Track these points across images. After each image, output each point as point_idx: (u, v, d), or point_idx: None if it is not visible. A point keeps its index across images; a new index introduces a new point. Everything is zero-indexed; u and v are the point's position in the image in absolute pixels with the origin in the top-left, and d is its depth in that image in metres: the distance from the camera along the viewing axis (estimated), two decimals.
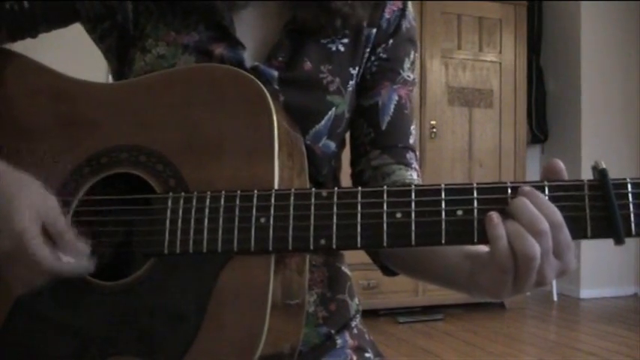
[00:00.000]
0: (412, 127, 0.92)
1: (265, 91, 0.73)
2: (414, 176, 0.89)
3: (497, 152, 4.30)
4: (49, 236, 0.69)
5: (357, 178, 0.92)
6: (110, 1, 0.85)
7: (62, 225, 0.70)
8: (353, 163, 0.93)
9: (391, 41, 0.91)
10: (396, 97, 0.91)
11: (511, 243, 0.62)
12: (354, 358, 0.89)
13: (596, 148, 4.69)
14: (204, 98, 0.74)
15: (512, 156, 4.33)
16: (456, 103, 4.22)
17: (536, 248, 0.61)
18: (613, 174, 0.61)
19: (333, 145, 0.88)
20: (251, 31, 0.86)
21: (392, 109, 0.90)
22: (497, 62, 4.31)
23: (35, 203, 0.69)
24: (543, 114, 5.01)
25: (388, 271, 0.89)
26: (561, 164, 0.64)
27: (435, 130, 4.13)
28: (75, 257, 0.70)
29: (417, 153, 0.93)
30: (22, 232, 0.67)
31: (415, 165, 0.91)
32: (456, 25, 4.23)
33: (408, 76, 0.92)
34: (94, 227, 0.75)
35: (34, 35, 0.89)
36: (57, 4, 0.86)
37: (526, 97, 4.46)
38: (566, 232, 0.62)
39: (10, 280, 0.71)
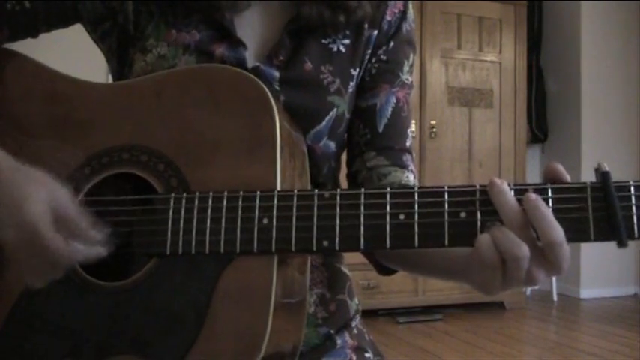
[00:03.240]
0: (409, 130, 0.92)
1: (267, 91, 0.73)
2: (410, 178, 0.89)
3: (497, 152, 4.30)
4: (62, 225, 0.68)
5: (352, 178, 0.92)
6: (111, 1, 0.85)
7: (74, 213, 0.69)
8: (348, 163, 0.93)
9: (392, 43, 0.91)
10: (394, 100, 0.91)
11: (497, 244, 0.62)
12: (354, 357, 0.89)
13: (596, 148, 4.69)
14: (205, 98, 0.74)
15: (512, 156, 4.33)
16: (456, 103, 4.22)
17: (523, 248, 0.61)
18: (613, 174, 0.61)
19: (333, 145, 0.88)
20: (252, 30, 0.86)
21: (389, 112, 0.90)
22: (497, 62, 4.32)
23: (45, 194, 0.69)
24: (543, 114, 5.01)
25: (383, 269, 0.89)
26: (562, 168, 0.64)
27: (434, 130, 4.13)
28: (89, 244, 0.70)
29: (414, 155, 0.93)
30: (35, 223, 0.66)
31: (412, 167, 0.91)
32: (455, 25, 4.23)
33: (407, 79, 0.92)
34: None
35: (34, 35, 0.88)
36: (58, 5, 0.86)
37: (526, 97, 4.46)
38: (557, 234, 0.62)
39: (24, 273, 0.71)
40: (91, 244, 0.69)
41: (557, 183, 0.64)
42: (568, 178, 0.64)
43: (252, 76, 0.74)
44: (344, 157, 0.95)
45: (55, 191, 0.70)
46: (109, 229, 0.71)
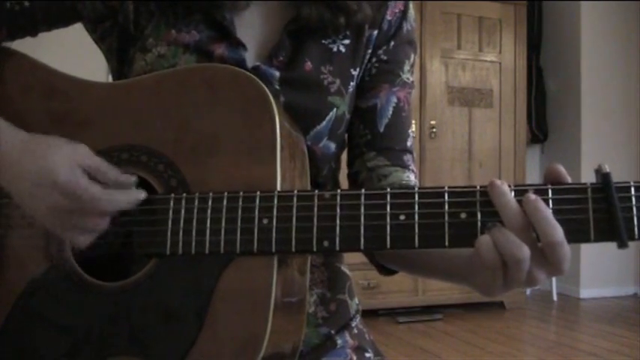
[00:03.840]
0: (409, 130, 0.92)
1: (267, 91, 0.72)
2: (411, 178, 0.89)
3: (497, 152, 4.30)
4: (93, 176, 0.70)
5: (352, 178, 0.92)
6: (111, 1, 0.85)
7: (101, 164, 0.71)
8: (349, 164, 0.93)
9: (392, 43, 0.91)
10: (395, 100, 0.90)
11: (498, 245, 0.62)
12: (354, 357, 0.89)
13: (596, 148, 4.69)
14: (204, 98, 0.74)
15: (512, 156, 4.33)
16: (456, 103, 4.22)
17: (524, 249, 0.61)
18: (613, 174, 0.61)
19: (333, 145, 0.88)
20: (252, 31, 0.86)
21: (390, 112, 0.90)
22: (497, 62, 4.31)
23: (69, 153, 0.70)
24: (543, 114, 5.01)
25: (384, 270, 0.89)
26: (563, 169, 0.64)
27: (434, 130, 4.13)
28: (124, 190, 0.71)
29: (414, 155, 0.92)
30: (69, 181, 0.68)
31: (412, 167, 0.91)
32: (455, 25, 4.23)
33: (408, 79, 0.92)
34: None
35: (33, 34, 0.88)
36: (57, 4, 0.85)
37: (526, 97, 4.46)
38: (557, 234, 0.62)
39: (69, 237, 0.72)
40: (126, 189, 0.71)
41: (557, 184, 0.64)
42: (569, 179, 0.64)
43: (252, 75, 0.74)
44: (344, 157, 0.95)
45: (75, 148, 0.72)
46: (135, 175, 0.73)
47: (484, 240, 0.62)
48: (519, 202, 0.62)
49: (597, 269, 4.62)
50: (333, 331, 0.89)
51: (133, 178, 0.72)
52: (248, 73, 0.75)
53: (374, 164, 0.89)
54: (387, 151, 0.89)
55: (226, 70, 0.76)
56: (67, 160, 0.69)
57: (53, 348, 0.73)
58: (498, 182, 0.63)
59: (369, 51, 0.90)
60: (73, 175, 0.69)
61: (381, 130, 0.89)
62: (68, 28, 0.91)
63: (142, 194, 0.72)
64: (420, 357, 3.14)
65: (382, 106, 0.90)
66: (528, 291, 4.72)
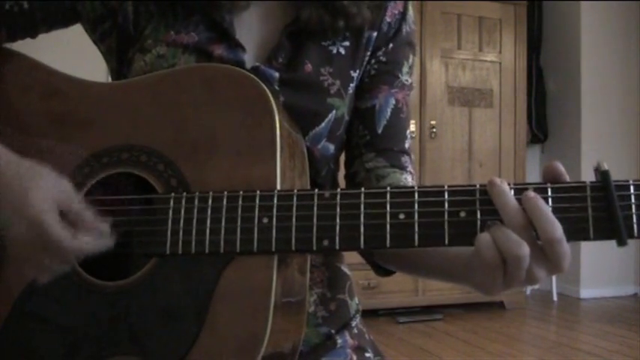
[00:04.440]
0: (408, 132, 0.92)
1: (267, 90, 0.72)
2: (408, 179, 0.89)
3: (497, 152, 4.30)
4: (67, 218, 0.69)
5: (350, 179, 0.92)
6: (111, 1, 0.85)
7: (79, 206, 0.70)
8: (347, 165, 0.93)
9: (391, 45, 0.91)
10: (394, 101, 0.90)
11: (498, 244, 0.62)
12: (355, 357, 0.89)
13: (596, 147, 4.69)
14: (204, 98, 0.74)
15: (512, 156, 4.33)
16: (456, 103, 4.22)
17: (523, 248, 0.61)
18: (613, 173, 0.62)
19: (332, 147, 0.88)
20: (251, 32, 0.86)
21: (389, 113, 0.90)
22: (497, 62, 4.32)
23: (49, 188, 0.69)
24: (543, 114, 5.01)
25: (380, 270, 0.89)
26: (561, 167, 0.64)
27: (434, 130, 4.13)
28: (95, 236, 0.70)
29: (412, 157, 0.93)
30: (41, 218, 0.67)
31: (410, 168, 0.91)
32: (455, 25, 4.23)
33: (406, 80, 0.92)
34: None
35: (33, 35, 0.89)
36: (57, 5, 0.86)
37: (526, 97, 4.46)
38: (556, 231, 0.61)
39: (30, 269, 0.71)
40: (97, 236, 0.70)
41: (556, 182, 0.64)
42: (567, 177, 0.64)
43: (252, 75, 0.74)
44: (342, 158, 0.95)
45: (58, 184, 0.70)
46: (112, 221, 0.71)
47: (484, 238, 0.62)
48: (519, 200, 0.62)
49: (597, 269, 4.62)
50: (333, 331, 0.89)
51: (108, 226, 0.71)
52: (248, 72, 0.75)
53: (372, 165, 0.89)
54: (386, 152, 0.89)
55: (226, 69, 0.76)
56: (46, 197, 0.68)
57: (53, 347, 0.73)
58: (498, 181, 0.63)
59: (369, 53, 0.90)
60: (46, 216, 0.67)
61: (380, 131, 0.89)
62: (68, 29, 0.91)
63: (112, 243, 0.71)
64: (420, 357, 3.14)
65: (381, 107, 0.90)
66: (528, 291, 4.72)
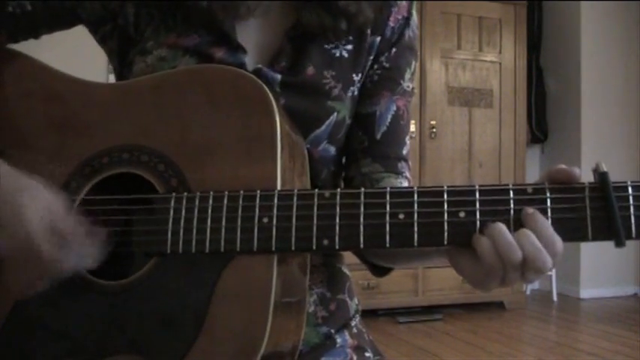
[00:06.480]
0: (406, 138, 0.92)
1: (267, 91, 0.72)
2: (404, 184, 0.89)
3: (497, 152, 4.30)
4: (57, 237, 0.68)
5: (347, 183, 0.92)
6: (110, 2, 0.85)
7: (70, 225, 0.69)
8: (345, 168, 0.93)
9: (394, 50, 0.90)
10: (394, 108, 0.90)
11: (497, 248, 0.63)
12: (354, 357, 0.89)
13: (596, 148, 4.70)
14: (205, 98, 0.74)
15: (512, 156, 4.33)
16: (456, 103, 4.22)
17: (519, 254, 0.62)
18: (612, 174, 0.62)
19: (332, 149, 0.88)
20: (252, 35, 0.86)
21: (389, 120, 0.90)
22: (497, 62, 4.32)
23: (42, 205, 0.68)
24: (543, 114, 5.01)
25: (377, 270, 0.89)
26: (577, 170, 0.65)
27: (434, 130, 4.13)
28: (85, 254, 0.70)
29: (409, 163, 0.93)
30: (30, 234, 0.66)
31: (407, 174, 0.91)
32: (455, 25, 4.24)
33: (408, 87, 0.92)
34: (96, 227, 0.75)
35: (35, 37, 0.89)
36: (58, 8, 0.86)
37: (526, 97, 4.47)
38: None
39: (13, 284, 0.71)
40: (84, 255, 0.70)
41: (556, 182, 0.64)
42: (577, 172, 0.65)
43: (253, 76, 0.74)
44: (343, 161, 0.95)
45: (51, 201, 0.70)
46: (106, 235, 0.72)
47: (485, 245, 0.63)
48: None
49: (597, 269, 4.62)
50: (332, 331, 0.89)
51: (99, 244, 0.71)
52: (248, 73, 0.75)
53: (368, 170, 0.89)
54: (383, 159, 0.89)
55: (227, 70, 0.76)
56: (38, 212, 0.68)
57: (53, 346, 0.73)
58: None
59: (371, 57, 0.89)
60: (37, 232, 0.67)
61: (378, 137, 0.89)
62: (69, 29, 0.91)
63: (104, 257, 0.71)
64: (420, 357, 3.14)
65: (381, 113, 0.90)
66: (528, 291, 4.72)
